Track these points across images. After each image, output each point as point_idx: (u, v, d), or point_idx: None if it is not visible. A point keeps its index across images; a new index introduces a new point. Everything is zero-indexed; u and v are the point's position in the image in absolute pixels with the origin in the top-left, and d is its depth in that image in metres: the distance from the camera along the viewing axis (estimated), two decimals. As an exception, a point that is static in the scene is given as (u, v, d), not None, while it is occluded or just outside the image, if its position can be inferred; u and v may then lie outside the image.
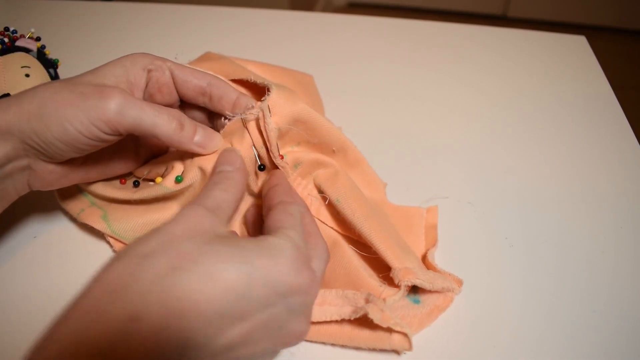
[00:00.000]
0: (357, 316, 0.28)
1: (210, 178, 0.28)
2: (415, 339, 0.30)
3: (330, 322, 0.30)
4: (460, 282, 0.33)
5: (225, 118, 0.33)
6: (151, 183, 0.36)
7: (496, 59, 0.58)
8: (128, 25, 0.65)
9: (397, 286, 0.30)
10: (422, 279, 0.30)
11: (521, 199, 0.40)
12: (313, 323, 0.30)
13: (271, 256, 0.22)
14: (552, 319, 0.32)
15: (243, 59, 0.43)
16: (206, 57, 0.43)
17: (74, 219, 0.38)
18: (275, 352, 0.29)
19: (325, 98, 0.48)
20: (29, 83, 0.41)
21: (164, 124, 0.29)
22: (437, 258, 0.35)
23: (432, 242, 0.36)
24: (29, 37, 0.45)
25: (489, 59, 0.58)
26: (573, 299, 0.33)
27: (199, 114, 0.36)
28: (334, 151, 0.37)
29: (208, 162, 0.32)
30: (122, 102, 0.28)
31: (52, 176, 0.31)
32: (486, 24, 0.64)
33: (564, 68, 0.56)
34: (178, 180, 0.33)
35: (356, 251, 0.33)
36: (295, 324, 0.24)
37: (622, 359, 0.30)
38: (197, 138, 0.31)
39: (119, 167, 0.36)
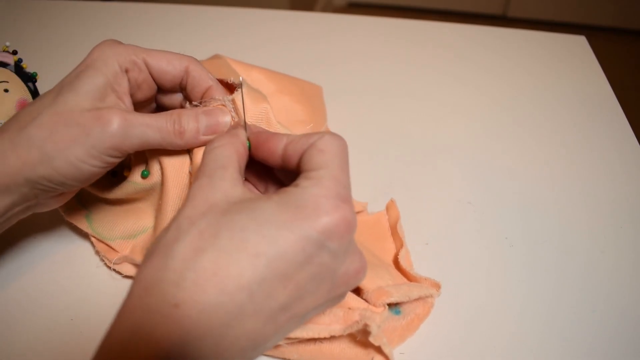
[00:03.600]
0: (351, 331, 0.27)
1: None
2: (415, 339, 0.30)
3: (310, 340, 0.29)
4: (437, 286, 0.31)
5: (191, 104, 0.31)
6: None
7: (496, 59, 0.58)
8: (128, 25, 0.65)
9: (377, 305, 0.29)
10: (396, 296, 0.29)
11: (521, 199, 0.40)
12: (292, 341, 0.29)
13: (294, 208, 0.21)
14: (552, 318, 0.32)
15: (249, 64, 0.43)
16: (213, 58, 0.42)
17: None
18: (341, 296, 0.25)
19: (326, 98, 0.47)
20: (8, 98, 0.40)
21: (168, 134, 0.28)
22: (438, 258, 0.35)
23: (400, 243, 0.35)
24: (4, 51, 0.43)
25: (489, 59, 0.58)
26: (573, 299, 0.33)
27: (177, 96, 0.34)
28: None
29: (167, 156, 0.31)
30: (123, 123, 0.26)
31: (59, 200, 0.31)
32: (486, 24, 0.64)
33: (564, 68, 0.56)
34: (144, 174, 0.32)
35: None
36: (346, 265, 0.23)
37: (622, 359, 0.30)
38: (202, 133, 0.29)
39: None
